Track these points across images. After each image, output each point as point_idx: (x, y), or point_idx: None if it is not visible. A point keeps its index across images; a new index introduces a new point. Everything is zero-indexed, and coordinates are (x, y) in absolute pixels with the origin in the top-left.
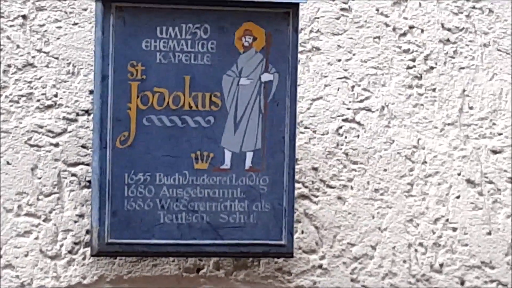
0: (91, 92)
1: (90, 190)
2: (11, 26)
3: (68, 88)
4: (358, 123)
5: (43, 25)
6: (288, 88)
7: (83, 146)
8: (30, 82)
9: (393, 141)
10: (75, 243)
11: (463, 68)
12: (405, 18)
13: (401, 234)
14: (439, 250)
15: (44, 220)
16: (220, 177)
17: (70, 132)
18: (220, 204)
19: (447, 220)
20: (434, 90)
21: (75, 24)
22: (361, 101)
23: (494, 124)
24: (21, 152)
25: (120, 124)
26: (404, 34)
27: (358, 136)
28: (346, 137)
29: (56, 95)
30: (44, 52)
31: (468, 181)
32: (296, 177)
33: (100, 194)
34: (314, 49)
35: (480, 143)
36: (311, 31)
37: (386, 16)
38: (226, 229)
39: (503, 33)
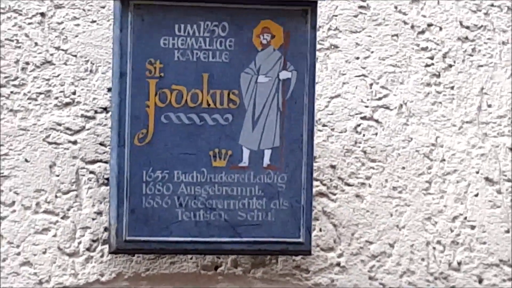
0: (109, 89)
1: (108, 187)
2: (29, 23)
3: (86, 85)
4: (376, 121)
5: (62, 22)
6: (306, 86)
7: (101, 144)
8: (48, 79)
9: (411, 139)
10: (93, 241)
11: (481, 66)
12: (424, 16)
13: (419, 232)
14: (457, 248)
15: (62, 218)
16: (238, 174)
17: (88, 129)
18: (238, 201)
19: (465, 218)
20: (452, 88)
21: (93, 21)
22: (379, 99)
23: None
24: (39, 149)
25: (138, 122)
26: (422, 32)
27: (376, 134)
28: (364, 135)
29: (74, 93)
30: (62, 50)
31: (487, 179)
32: (314, 175)
33: (118, 192)
34: (332, 47)
35: (498, 141)
36: (329, 29)
37: (405, 13)
38: (244, 226)
39: None
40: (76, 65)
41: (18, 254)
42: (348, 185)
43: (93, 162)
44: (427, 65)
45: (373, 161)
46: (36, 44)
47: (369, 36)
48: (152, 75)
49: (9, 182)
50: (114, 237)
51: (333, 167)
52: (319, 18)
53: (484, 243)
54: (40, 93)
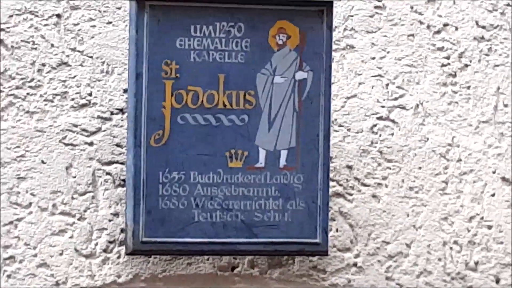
0: (125, 90)
1: (124, 188)
2: (45, 25)
3: (102, 87)
4: (393, 121)
5: (77, 24)
6: (322, 86)
7: (118, 145)
8: (64, 81)
9: (428, 139)
10: (110, 242)
11: (497, 65)
12: (439, 16)
13: (436, 232)
14: (474, 248)
15: (78, 219)
16: (255, 175)
17: (104, 131)
18: (254, 202)
19: (482, 218)
20: (468, 87)
21: (109, 23)
22: (396, 99)
23: None
24: (55, 151)
25: (154, 123)
26: (438, 32)
27: (392, 134)
28: (380, 135)
29: (90, 94)
30: (79, 51)
31: (503, 179)
32: (331, 175)
33: (134, 193)
34: (348, 47)
35: None
36: (345, 29)
37: (420, 13)
38: (260, 227)
39: None
40: (92, 67)
41: (35, 255)
42: (365, 185)
43: (109, 163)
44: (443, 65)
45: (390, 161)
46: (52, 45)
47: (385, 36)
48: (168, 76)
49: (26, 184)
50: (131, 238)
51: (349, 167)
52: (335, 18)
53: (501, 243)
54: (56, 95)
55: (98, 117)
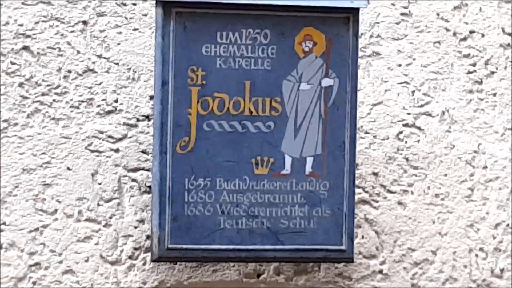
0: (151, 97)
1: (150, 195)
2: (71, 31)
3: (128, 93)
4: (419, 128)
5: (104, 30)
6: (348, 93)
7: (144, 152)
8: (90, 87)
9: (454, 146)
10: (135, 249)
11: None
12: (466, 23)
13: (461, 239)
14: (499, 255)
15: (104, 226)
16: (280, 182)
17: (130, 137)
18: (280, 209)
19: (508, 225)
20: (494, 95)
21: (136, 29)
22: (422, 106)
23: None
24: (81, 157)
25: (181, 130)
26: (464, 39)
27: (418, 141)
28: (406, 142)
29: (116, 101)
30: (105, 58)
31: None
32: (357, 182)
33: (160, 200)
34: (374, 54)
35: None
36: (371, 36)
37: (447, 20)
38: (286, 234)
39: None
40: (118, 73)
41: (61, 262)
42: (391, 192)
43: (135, 170)
44: (469, 72)
45: (415, 168)
46: (78, 52)
47: (411, 43)
48: (194, 82)
49: (52, 190)
50: (156, 245)
51: (375, 174)
52: (361, 25)
53: None
54: (82, 101)
55: (124, 123)
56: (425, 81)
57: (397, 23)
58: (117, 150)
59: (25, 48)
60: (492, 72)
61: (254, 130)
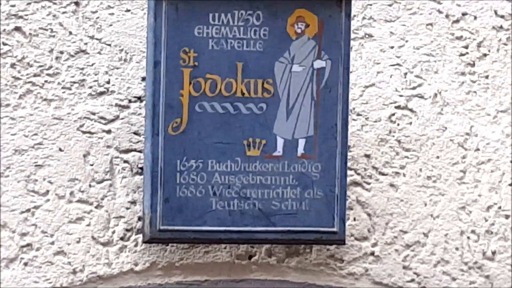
0: (143, 79)
1: (142, 177)
2: (63, 12)
3: (120, 74)
4: (411, 110)
5: (96, 11)
6: (340, 75)
7: (135, 133)
8: (82, 68)
9: (446, 128)
10: (127, 230)
11: None
12: (458, 5)
13: (453, 221)
14: (491, 238)
15: (96, 207)
16: (272, 164)
17: (122, 119)
18: (272, 191)
19: (500, 207)
20: (487, 77)
21: (128, 10)
22: (414, 88)
23: None
24: (73, 138)
25: (173, 111)
26: (457, 21)
27: (410, 123)
28: (398, 124)
29: (108, 82)
30: (97, 39)
31: None
32: (349, 164)
33: (152, 181)
34: (367, 36)
35: None
36: (363, 18)
37: (439, 2)
38: (278, 216)
39: None
40: (110, 54)
41: (52, 243)
42: (383, 174)
43: (127, 151)
44: (461, 54)
45: (408, 150)
46: (70, 33)
47: (404, 25)
48: (186, 64)
49: (43, 172)
50: (148, 226)
51: (367, 156)
52: (354, 7)
53: None
54: (74, 82)
55: (116, 105)
56: (417, 63)
57: (390, 5)
58: (109, 132)
59: (17, 29)
60: (485, 55)
61: (246, 111)
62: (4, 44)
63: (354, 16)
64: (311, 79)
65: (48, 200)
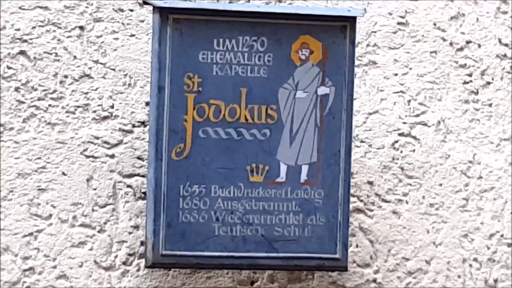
0: (147, 103)
1: (145, 201)
2: (68, 37)
3: (124, 99)
4: (414, 137)
5: (100, 36)
6: (344, 102)
7: (139, 158)
8: (86, 93)
9: (449, 156)
10: (130, 255)
11: None
12: (462, 33)
13: (455, 249)
14: (493, 266)
15: (99, 231)
16: (275, 190)
17: (126, 143)
18: (275, 217)
19: (502, 235)
20: (490, 105)
21: (132, 35)
22: (417, 115)
23: None
24: (76, 163)
25: (176, 136)
26: (461, 49)
27: (413, 150)
28: (401, 152)
29: (112, 106)
30: (101, 63)
31: None
32: (351, 191)
33: (155, 206)
34: (371, 63)
35: None
36: (368, 45)
37: (443, 30)
38: (280, 242)
39: None
40: (114, 79)
41: (55, 267)
42: (385, 201)
43: (130, 176)
44: (465, 82)
45: (411, 177)
46: (74, 57)
47: (408, 52)
48: (190, 89)
49: (46, 195)
50: (151, 251)
51: (370, 183)
52: (358, 34)
53: None
54: (78, 107)
55: (120, 129)
56: (421, 91)
57: (394, 33)
58: (112, 156)
59: (22, 52)
60: (488, 83)
61: (250, 137)
62: (9, 67)
63: (359, 43)
64: (315, 105)
65: (51, 224)
